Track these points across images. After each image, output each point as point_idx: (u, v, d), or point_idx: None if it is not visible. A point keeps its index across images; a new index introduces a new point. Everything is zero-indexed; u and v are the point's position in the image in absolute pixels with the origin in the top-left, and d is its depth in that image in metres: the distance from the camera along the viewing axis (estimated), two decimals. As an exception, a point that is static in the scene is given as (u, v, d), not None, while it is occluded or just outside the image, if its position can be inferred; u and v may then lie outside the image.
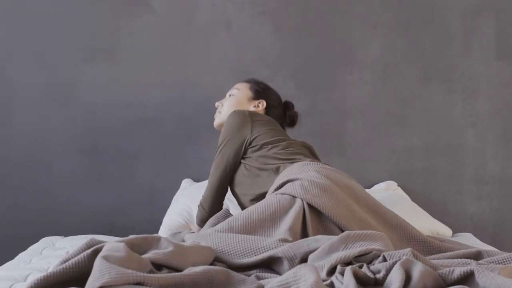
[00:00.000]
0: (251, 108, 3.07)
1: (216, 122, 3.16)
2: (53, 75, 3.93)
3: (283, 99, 3.26)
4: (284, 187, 2.50)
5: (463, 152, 4.05)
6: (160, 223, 3.37)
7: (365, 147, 3.99)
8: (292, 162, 2.76)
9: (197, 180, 3.87)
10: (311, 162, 2.68)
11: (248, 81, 3.19)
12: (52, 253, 2.89)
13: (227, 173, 2.93)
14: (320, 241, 2.08)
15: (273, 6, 3.96)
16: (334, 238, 2.04)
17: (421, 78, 4.02)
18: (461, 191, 4.05)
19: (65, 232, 3.52)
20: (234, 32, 3.98)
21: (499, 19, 4.02)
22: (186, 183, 3.84)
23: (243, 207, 2.90)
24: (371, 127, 4.00)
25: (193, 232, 2.74)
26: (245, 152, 2.90)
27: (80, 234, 3.42)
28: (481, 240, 3.35)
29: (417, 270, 1.77)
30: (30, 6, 3.91)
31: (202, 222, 2.95)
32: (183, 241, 2.58)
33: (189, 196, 3.53)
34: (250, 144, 2.87)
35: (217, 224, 2.56)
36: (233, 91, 3.15)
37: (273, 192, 2.56)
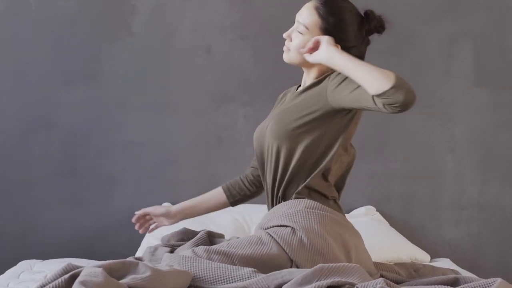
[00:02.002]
0: None
1: (285, 59, 2.68)
2: (33, 98, 3.92)
3: None
4: (282, 230, 2.39)
5: (441, 177, 4.07)
6: (139, 247, 3.36)
7: (344, 172, 4.00)
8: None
9: (176, 204, 3.87)
10: (318, 209, 2.49)
11: (318, 12, 2.57)
12: (30, 277, 2.88)
13: None
14: (294, 273, 2.07)
15: (253, 31, 3.98)
16: (307, 271, 2.04)
17: (400, 103, 4.05)
18: (439, 216, 4.07)
19: (43, 255, 3.50)
20: (214, 56, 3.99)
21: (477, 45, 4.06)
22: (165, 207, 3.84)
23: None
24: (351, 151, 4.01)
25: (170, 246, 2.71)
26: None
27: (59, 258, 3.40)
28: (459, 265, 3.36)
29: (393, 297, 1.79)
30: (9, 28, 3.90)
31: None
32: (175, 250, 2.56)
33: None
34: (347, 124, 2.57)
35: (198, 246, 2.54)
36: (301, 27, 2.59)
37: (268, 227, 2.46)
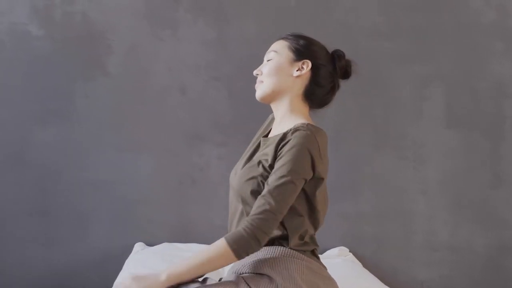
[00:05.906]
0: (295, 73, 2.54)
1: (258, 94, 2.60)
2: (6, 135, 3.90)
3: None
4: (259, 279, 2.32)
5: (413, 219, 4.09)
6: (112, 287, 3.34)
7: (317, 213, 4.00)
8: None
9: (150, 244, 3.85)
10: (294, 257, 2.43)
11: (285, 38, 2.62)
12: (0, 317, 2.85)
13: None
14: None
15: (227, 72, 4.00)
16: None
17: (372, 144, 4.08)
18: (411, 257, 4.08)
19: (14, 295, 3.48)
20: (188, 96, 4.00)
21: (449, 88, 4.11)
22: (138, 246, 3.81)
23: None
24: (323, 192, 4.02)
25: None
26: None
27: (29, 298, 3.38)
28: (431, 307, 3.38)
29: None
30: (-16, 67, 3.90)
31: None
32: None
33: (141, 260, 3.50)
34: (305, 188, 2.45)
35: None
36: (270, 54, 2.60)
37: (243, 273, 2.39)
